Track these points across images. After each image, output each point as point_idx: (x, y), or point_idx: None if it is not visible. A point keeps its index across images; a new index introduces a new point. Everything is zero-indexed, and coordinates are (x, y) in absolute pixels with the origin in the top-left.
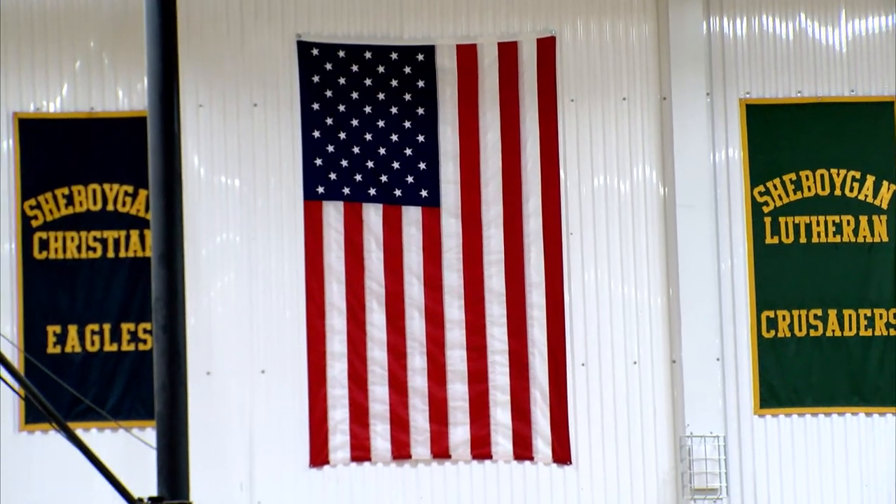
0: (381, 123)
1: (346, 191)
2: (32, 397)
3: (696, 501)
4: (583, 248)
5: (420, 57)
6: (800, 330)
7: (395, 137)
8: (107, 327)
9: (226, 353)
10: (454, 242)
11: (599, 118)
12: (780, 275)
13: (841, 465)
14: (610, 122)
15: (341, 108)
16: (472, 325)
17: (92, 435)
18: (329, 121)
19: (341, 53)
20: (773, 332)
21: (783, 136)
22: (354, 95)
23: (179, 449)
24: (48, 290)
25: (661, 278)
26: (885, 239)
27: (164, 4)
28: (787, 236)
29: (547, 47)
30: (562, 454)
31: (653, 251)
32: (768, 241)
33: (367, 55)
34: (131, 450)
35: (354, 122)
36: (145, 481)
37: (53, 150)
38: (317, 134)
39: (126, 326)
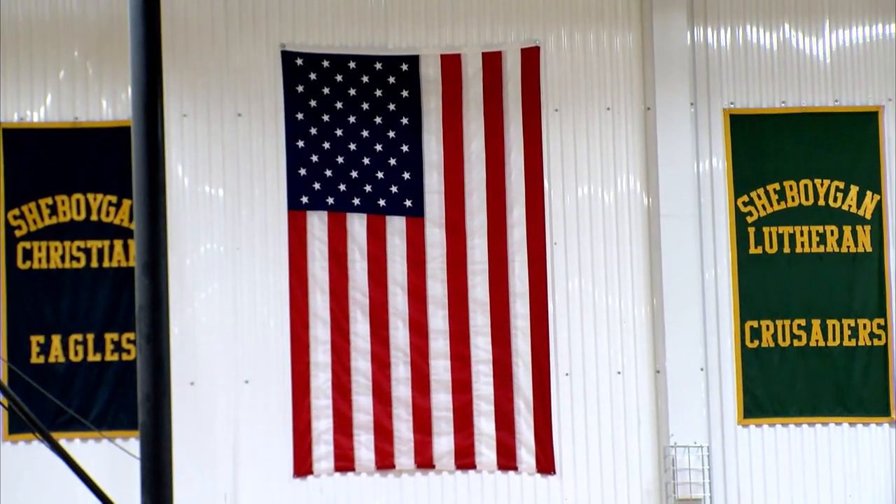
0: (365, 133)
1: (331, 200)
2: (16, 407)
3: None
4: (567, 258)
5: (404, 67)
6: (784, 340)
7: (379, 147)
8: (90, 337)
9: (210, 363)
10: (438, 252)
11: (584, 128)
12: (764, 285)
13: (825, 474)
14: (594, 131)
15: (325, 117)
16: (456, 334)
17: (76, 445)
18: (313, 130)
19: (326, 63)
20: (756, 342)
21: (767, 146)
22: (339, 105)
23: (163, 459)
24: (32, 300)
25: (645, 288)
26: (869, 249)
27: (149, 14)
28: (772, 246)
29: (531, 57)
30: (546, 464)
31: (637, 261)
32: (752, 251)
33: (352, 65)
34: (115, 460)
35: (339, 132)
36: (129, 492)
37: (37, 159)
38: (301, 143)
39: (110, 336)
